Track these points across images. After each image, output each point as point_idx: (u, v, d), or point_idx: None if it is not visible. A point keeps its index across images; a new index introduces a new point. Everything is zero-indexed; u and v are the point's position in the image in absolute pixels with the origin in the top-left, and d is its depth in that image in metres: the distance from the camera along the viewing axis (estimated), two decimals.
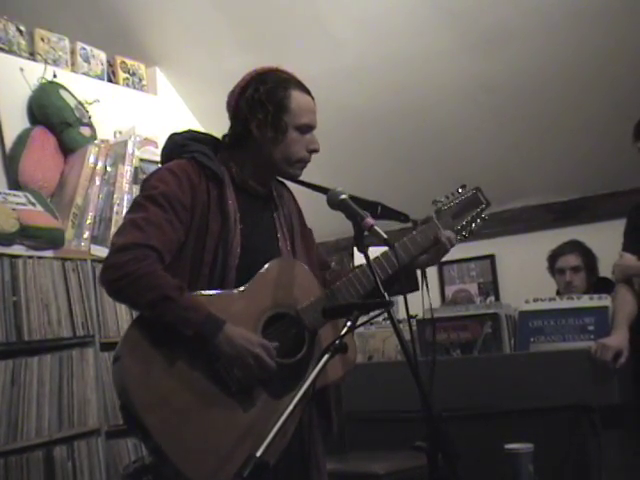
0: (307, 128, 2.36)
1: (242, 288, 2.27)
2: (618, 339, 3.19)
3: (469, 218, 2.60)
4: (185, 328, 2.13)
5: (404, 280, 2.41)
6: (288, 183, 2.56)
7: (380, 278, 2.30)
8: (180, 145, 2.41)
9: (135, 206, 2.31)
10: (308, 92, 2.39)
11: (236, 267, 2.28)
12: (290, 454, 2.24)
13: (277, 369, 2.20)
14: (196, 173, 2.32)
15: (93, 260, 3.94)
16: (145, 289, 2.15)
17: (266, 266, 2.32)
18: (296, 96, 2.35)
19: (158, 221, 2.22)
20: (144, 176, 4.23)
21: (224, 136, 2.45)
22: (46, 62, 4.36)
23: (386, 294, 2.16)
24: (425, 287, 2.44)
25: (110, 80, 4.81)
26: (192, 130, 2.53)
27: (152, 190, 2.27)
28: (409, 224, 2.66)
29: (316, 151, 2.39)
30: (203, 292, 2.24)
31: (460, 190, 2.61)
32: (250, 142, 2.36)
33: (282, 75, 2.38)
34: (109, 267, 2.20)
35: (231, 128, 2.42)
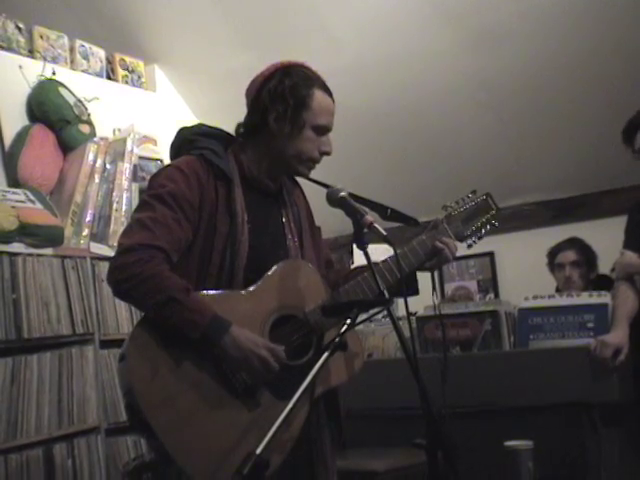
0: (323, 129, 2.35)
1: (250, 289, 2.26)
2: (618, 336, 3.19)
3: (479, 224, 2.56)
4: (191, 330, 2.12)
5: (406, 284, 2.38)
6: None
7: (386, 279, 2.31)
8: (189, 141, 2.40)
9: (142, 205, 2.29)
10: (330, 94, 2.38)
11: (244, 267, 2.27)
12: (297, 453, 2.24)
13: (284, 371, 2.19)
14: (204, 171, 2.30)
15: (92, 258, 3.94)
16: (151, 291, 2.14)
17: (274, 267, 2.30)
18: (318, 96, 2.33)
19: (165, 220, 2.20)
20: (143, 174, 4.30)
21: (238, 125, 2.43)
22: (45, 60, 4.35)
23: (386, 292, 2.16)
24: (432, 287, 2.43)
25: (109, 77, 4.81)
26: (202, 124, 2.51)
27: (159, 189, 2.26)
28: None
29: (327, 153, 2.37)
30: (210, 292, 2.23)
31: (470, 195, 2.57)
32: (264, 133, 2.34)
33: (308, 73, 2.37)
34: (115, 268, 2.19)
35: (247, 116, 2.41)
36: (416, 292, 2.51)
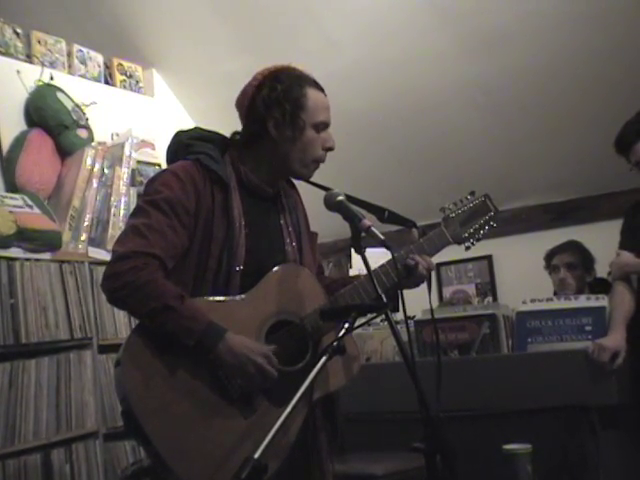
0: (323, 126, 2.36)
1: (246, 294, 2.26)
2: (615, 339, 3.19)
3: (477, 225, 2.55)
4: (186, 338, 2.12)
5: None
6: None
7: (384, 283, 2.31)
8: (185, 145, 2.39)
9: (137, 211, 2.29)
10: (322, 89, 2.38)
11: (241, 272, 2.27)
12: (294, 457, 2.24)
13: (280, 377, 2.19)
14: (201, 176, 2.29)
15: (90, 262, 3.94)
16: (145, 298, 2.14)
17: (271, 272, 2.30)
18: (312, 94, 2.34)
19: (160, 227, 2.20)
20: (141, 178, 4.30)
21: (234, 134, 2.43)
22: (43, 64, 4.35)
23: (383, 296, 2.15)
24: (428, 291, 2.41)
25: (107, 82, 4.80)
26: (199, 128, 2.50)
27: (155, 195, 2.25)
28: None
29: (331, 149, 2.37)
30: (206, 298, 2.22)
31: (469, 197, 2.57)
32: (265, 142, 2.34)
33: (296, 73, 2.37)
34: (110, 276, 2.19)
35: (245, 128, 2.40)
36: (396, 309, 2.50)
